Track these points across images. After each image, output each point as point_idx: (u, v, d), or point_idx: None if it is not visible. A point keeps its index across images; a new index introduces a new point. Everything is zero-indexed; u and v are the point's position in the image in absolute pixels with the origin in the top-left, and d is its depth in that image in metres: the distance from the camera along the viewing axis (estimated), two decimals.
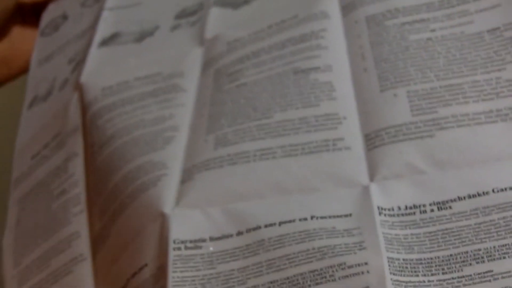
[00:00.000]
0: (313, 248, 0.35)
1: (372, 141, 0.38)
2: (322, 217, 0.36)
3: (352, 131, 0.39)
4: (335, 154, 0.38)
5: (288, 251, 0.36)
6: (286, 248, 0.36)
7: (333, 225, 0.36)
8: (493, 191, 0.35)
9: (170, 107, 0.45)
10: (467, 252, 0.34)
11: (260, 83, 0.43)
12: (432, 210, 0.35)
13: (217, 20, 0.50)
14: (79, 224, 0.45)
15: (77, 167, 0.48)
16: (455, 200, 0.35)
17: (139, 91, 0.48)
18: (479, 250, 0.34)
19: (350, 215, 0.36)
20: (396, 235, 0.35)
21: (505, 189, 0.35)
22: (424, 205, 0.36)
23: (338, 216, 0.36)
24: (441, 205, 0.35)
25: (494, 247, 0.34)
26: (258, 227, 0.37)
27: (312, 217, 0.36)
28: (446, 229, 0.35)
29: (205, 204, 0.39)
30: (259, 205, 0.38)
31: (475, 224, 0.34)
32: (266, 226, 0.37)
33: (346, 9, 0.44)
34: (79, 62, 0.54)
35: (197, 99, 0.45)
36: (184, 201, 0.39)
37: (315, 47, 0.43)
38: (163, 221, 0.39)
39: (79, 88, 0.51)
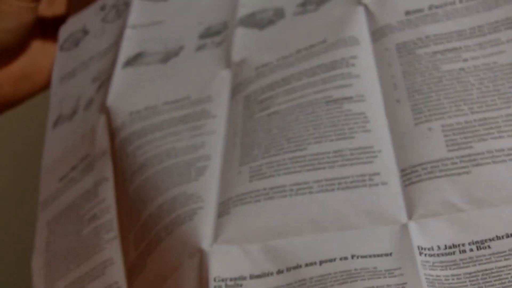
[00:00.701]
0: None
1: (409, 176, 0.38)
2: (362, 257, 0.36)
3: (388, 166, 0.39)
4: (372, 190, 0.38)
5: None
6: None
7: (375, 265, 0.36)
8: None
9: (201, 135, 0.46)
10: None
11: (292, 112, 0.43)
12: (471, 250, 0.36)
13: (243, 41, 0.50)
14: (113, 251, 0.46)
15: (108, 192, 0.48)
16: (493, 239, 0.36)
17: (168, 117, 0.48)
18: None
19: (391, 254, 0.36)
20: (437, 276, 0.35)
21: None
22: (463, 245, 0.36)
23: (378, 256, 0.36)
24: (480, 244, 0.36)
25: None
26: (298, 266, 0.37)
27: (352, 256, 0.37)
28: (486, 269, 0.35)
29: (243, 241, 0.39)
30: (298, 242, 0.38)
31: None
32: (306, 265, 0.37)
33: (376, 35, 0.44)
34: (104, 82, 0.54)
35: (227, 126, 0.45)
36: (222, 237, 0.40)
37: (347, 75, 0.43)
38: (201, 257, 0.39)
39: (105, 111, 0.51)
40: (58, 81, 0.58)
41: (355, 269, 0.36)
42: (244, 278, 0.38)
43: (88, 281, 0.46)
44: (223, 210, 0.41)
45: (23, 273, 0.53)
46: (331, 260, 0.37)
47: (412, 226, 0.37)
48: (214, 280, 0.38)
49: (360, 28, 0.45)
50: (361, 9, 0.46)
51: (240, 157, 0.43)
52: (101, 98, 0.53)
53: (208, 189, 0.42)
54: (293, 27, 0.48)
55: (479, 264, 0.35)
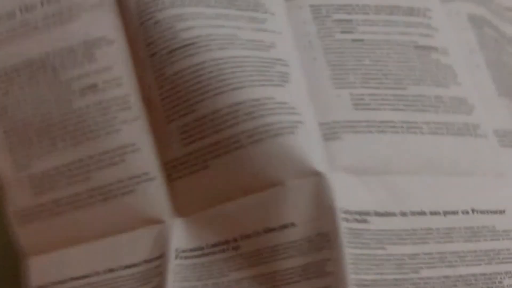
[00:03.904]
0: (480, 250, 0.35)
1: (502, 138, 0.39)
2: (481, 212, 0.36)
3: (484, 121, 0.39)
4: (477, 141, 0.38)
5: (457, 248, 0.35)
6: (455, 245, 0.35)
7: (493, 224, 0.36)
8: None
9: (266, 31, 0.39)
10: None
11: (380, 46, 0.40)
12: None
13: None
14: (134, 135, 0.37)
15: (115, 60, 0.38)
16: None
17: None
18: None
19: (504, 212, 0.37)
20: None
21: None
22: None
23: (494, 212, 0.37)
24: None
25: None
26: (423, 213, 0.35)
27: (473, 211, 0.36)
28: None
29: (361, 172, 0.35)
30: (417, 182, 0.36)
31: None
32: (431, 213, 0.36)
33: None
34: None
35: (294, 33, 0.39)
36: (338, 163, 0.35)
37: (427, 26, 0.41)
38: (319, 181, 0.34)
39: None
40: None
41: (477, 227, 0.36)
42: (368, 214, 0.34)
43: (96, 167, 0.36)
44: (329, 132, 0.36)
45: None
46: (454, 213, 0.36)
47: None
48: (342, 212, 0.34)
49: None
50: None
51: (332, 78, 0.38)
52: None
53: (300, 102, 0.37)
54: None
55: None
